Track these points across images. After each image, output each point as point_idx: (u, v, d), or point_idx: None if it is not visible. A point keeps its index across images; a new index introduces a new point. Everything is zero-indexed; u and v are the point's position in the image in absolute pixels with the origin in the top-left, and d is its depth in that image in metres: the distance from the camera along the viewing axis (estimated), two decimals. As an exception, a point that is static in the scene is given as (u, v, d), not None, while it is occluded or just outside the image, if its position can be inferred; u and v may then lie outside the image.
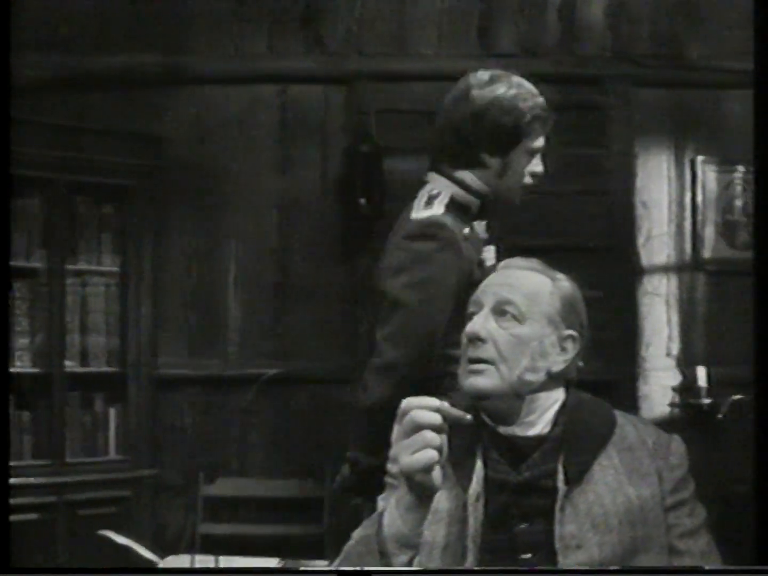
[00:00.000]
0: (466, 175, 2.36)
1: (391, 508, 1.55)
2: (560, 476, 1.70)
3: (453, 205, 2.33)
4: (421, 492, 1.51)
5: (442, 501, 1.69)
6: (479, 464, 1.74)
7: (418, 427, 1.48)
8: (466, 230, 2.32)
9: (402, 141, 4.31)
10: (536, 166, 2.39)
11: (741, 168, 4.41)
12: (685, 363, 4.36)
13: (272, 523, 4.20)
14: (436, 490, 1.51)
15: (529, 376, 1.75)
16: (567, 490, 1.69)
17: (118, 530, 2.85)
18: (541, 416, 1.77)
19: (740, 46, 4.31)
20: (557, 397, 1.79)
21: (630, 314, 4.38)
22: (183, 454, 4.33)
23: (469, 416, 1.51)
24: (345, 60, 4.39)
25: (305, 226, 4.39)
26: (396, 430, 1.52)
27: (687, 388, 4.31)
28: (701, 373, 4.23)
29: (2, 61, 2.18)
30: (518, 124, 2.32)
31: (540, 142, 2.38)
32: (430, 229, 2.28)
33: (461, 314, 1.86)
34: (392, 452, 1.77)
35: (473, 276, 2.22)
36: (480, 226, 2.40)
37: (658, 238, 4.41)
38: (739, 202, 4.42)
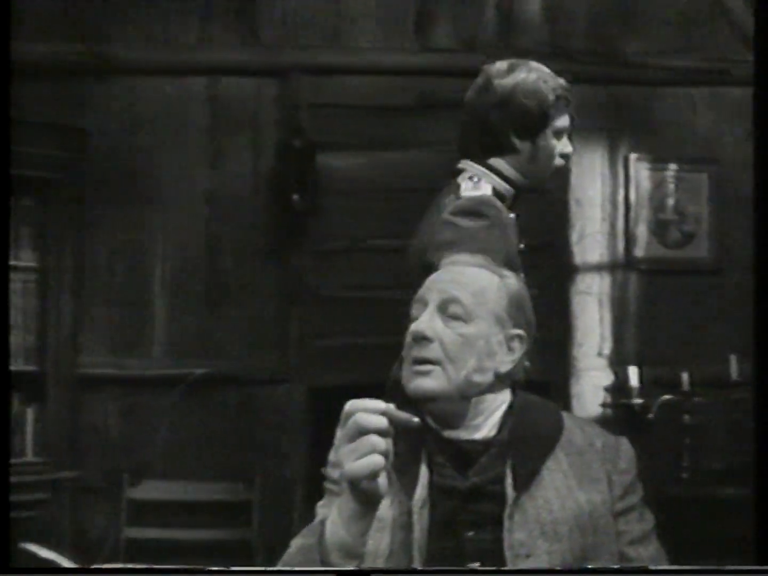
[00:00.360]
0: (500, 163, 2.40)
1: (334, 516, 1.49)
2: (509, 481, 1.66)
3: (492, 192, 2.37)
4: (365, 499, 1.45)
5: (385, 508, 1.63)
6: (424, 469, 1.69)
7: (363, 431, 1.42)
8: (512, 215, 2.37)
9: (336, 136, 4.28)
10: (565, 146, 2.44)
11: (673, 166, 4.44)
12: (617, 363, 4.37)
13: (200, 528, 4.13)
14: (381, 497, 1.46)
15: (477, 377, 1.71)
16: (516, 496, 1.64)
17: (37, 535, 2.75)
18: (488, 419, 1.73)
19: (675, 44, 4.36)
20: (504, 398, 1.76)
21: (562, 313, 4.38)
22: (106, 455, 4.25)
23: (416, 419, 1.46)
24: (279, 52, 4.36)
25: (235, 222, 4.34)
26: (339, 433, 1.46)
27: (618, 388, 4.32)
28: (633, 373, 4.24)
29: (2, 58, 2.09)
30: (543, 105, 2.38)
31: (565, 121, 2.43)
32: (480, 207, 2.30)
33: None
34: (333, 457, 1.71)
35: (513, 262, 2.23)
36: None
37: (591, 237, 4.42)
38: (671, 201, 4.44)
